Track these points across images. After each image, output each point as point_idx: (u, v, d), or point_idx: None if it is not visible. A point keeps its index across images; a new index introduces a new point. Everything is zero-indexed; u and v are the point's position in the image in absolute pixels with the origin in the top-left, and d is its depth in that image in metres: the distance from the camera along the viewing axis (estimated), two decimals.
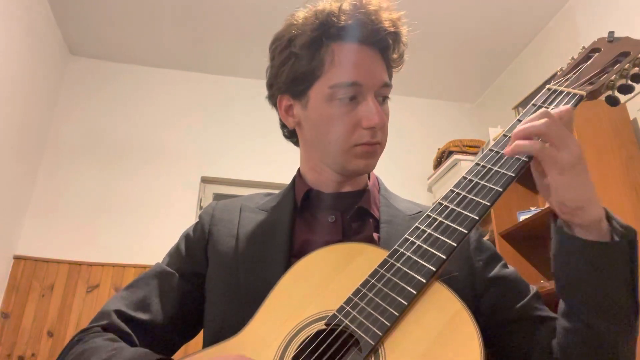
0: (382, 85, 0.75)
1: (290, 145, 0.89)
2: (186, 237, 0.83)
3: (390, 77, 0.81)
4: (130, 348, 0.62)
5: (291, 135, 0.85)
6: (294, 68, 0.75)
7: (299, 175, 0.85)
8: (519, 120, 0.62)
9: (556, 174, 0.56)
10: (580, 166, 0.56)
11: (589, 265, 0.56)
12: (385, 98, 0.78)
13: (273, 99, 0.82)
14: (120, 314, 0.70)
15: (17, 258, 2.67)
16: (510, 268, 0.76)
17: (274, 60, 0.80)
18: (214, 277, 0.76)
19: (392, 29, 0.75)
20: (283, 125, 0.84)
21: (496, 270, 0.75)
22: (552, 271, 0.61)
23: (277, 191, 0.87)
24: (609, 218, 0.58)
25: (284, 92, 0.79)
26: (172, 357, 0.76)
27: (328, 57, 0.73)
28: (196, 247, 0.80)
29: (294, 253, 0.74)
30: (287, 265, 0.70)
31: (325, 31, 0.74)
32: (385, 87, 0.76)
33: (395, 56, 0.79)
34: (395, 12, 0.76)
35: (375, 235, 0.75)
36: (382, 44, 0.76)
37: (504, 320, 0.70)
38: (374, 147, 0.75)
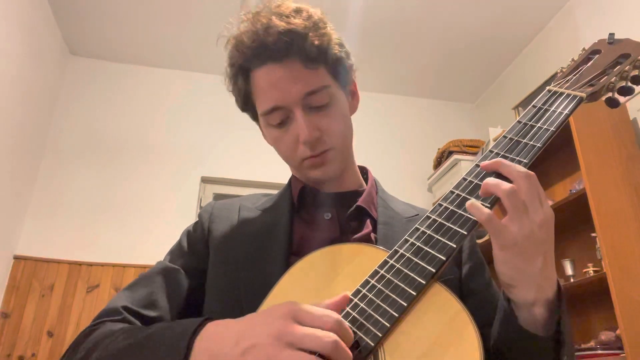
0: (303, 97, 0.71)
1: None
2: (188, 233, 0.83)
3: (336, 73, 0.76)
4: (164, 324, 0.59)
5: None
6: (237, 101, 0.80)
7: (294, 175, 0.85)
8: (519, 122, 0.62)
9: (497, 247, 0.54)
10: (525, 245, 0.51)
11: (514, 342, 0.55)
12: (320, 107, 0.73)
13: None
14: (128, 310, 0.68)
15: (17, 258, 2.68)
16: (494, 289, 0.75)
17: None
18: (213, 274, 0.75)
19: (286, 38, 0.69)
20: None
21: (477, 283, 0.74)
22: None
23: (275, 192, 0.87)
24: (560, 303, 0.55)
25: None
26: None
27: (250, 88, 0.76)
28: (198, 242, 0.80)
29: (293, 250, 0.74)
30: (286, 262, 0.70)
31: (241, 65, 0.74)
32: (310, 95, 0.71)
33: (313, 53, 0.71)
34: (287, 9, 0.71)
35: (372, 235, 0.75)
36: (291, 53, 0.70)
37: None
38: (320, 158, 0.75)
